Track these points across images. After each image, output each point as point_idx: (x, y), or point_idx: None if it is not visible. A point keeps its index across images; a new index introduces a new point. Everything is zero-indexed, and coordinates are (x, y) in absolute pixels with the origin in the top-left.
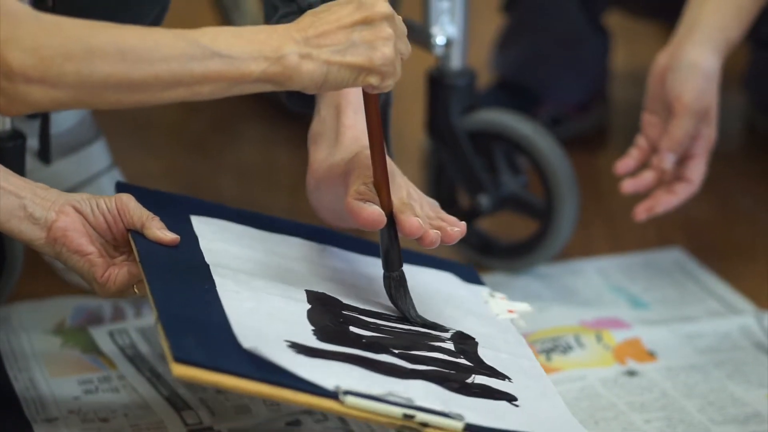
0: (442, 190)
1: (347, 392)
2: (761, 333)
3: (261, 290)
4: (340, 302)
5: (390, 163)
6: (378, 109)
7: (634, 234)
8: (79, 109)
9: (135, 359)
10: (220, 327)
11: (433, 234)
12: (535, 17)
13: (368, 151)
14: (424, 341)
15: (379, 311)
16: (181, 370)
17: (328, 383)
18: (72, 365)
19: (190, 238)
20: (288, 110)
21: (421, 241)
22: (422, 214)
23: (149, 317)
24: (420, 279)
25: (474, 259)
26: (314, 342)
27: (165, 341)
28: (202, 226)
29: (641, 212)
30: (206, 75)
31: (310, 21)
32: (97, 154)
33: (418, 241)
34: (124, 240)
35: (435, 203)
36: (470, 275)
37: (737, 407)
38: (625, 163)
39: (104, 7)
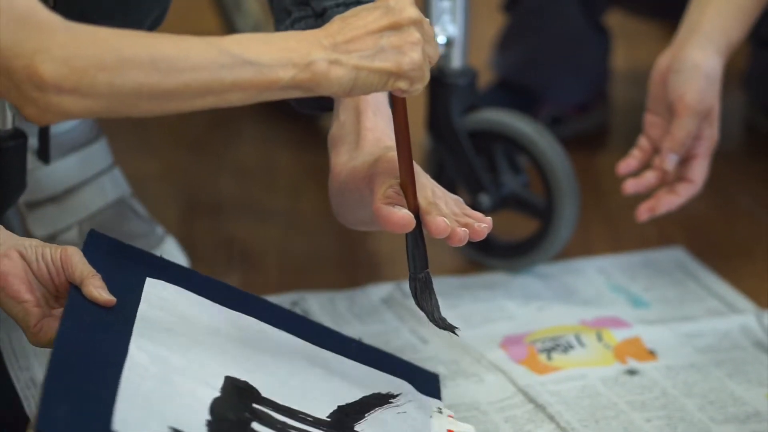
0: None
1: None
2: (761, 332)
3: (174, 370)
4: (259, 394)
5: (414, 164)
6: (405, 111)
7: (634, 233)
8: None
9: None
10: (104, 404)
11: (461, 232)
12: (535, 17)
13: (391, 153)
14: None
15: (300, 410)
16: None
17: None
18: None
19: (132, 302)
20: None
21: (450, 239)
22: (448, 213)
23: None
24: (372, 383)
25: (474, 258)
26: None
27: (37, 408)
28: (154, 291)
29: (643, 212)
30: (236, 83)
31: (338, 26)
32: (98, 154)
33: (446, 240)
34: (66, 291)
35: (459, 199)
36: (429, 385)
37: (737, 406)
38: (627, 163)
39: (104, 8)
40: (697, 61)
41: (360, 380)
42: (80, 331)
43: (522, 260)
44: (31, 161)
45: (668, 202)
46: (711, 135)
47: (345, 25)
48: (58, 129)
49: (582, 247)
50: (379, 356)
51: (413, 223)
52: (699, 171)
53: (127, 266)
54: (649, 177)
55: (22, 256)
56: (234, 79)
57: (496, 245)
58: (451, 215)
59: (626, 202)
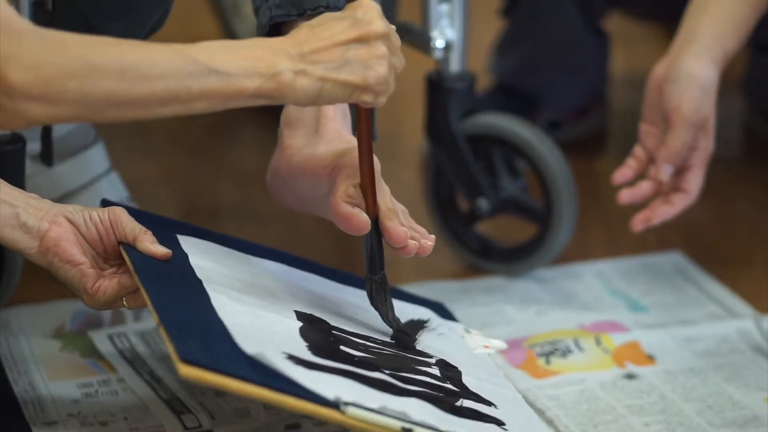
0: (441, 193)
1: (348, 403)
2: (760, 337)
3: (253, 305)
4: (328, 323)
5: (377, 165)
6: (370, 119)
7: (633, 238)
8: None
9: (134, 362)
10: (221, 334)
11: (413, 245)
12: (534, 21)
13: (356, 153)
14: (412, 365)
15: (367, 334)
16: (187, 371)
17: (329, 394)
18: (71, 369)
19: (180, 255)
20: None
21: (402, 250)
22: (406, 223)
23: (148, 321)
24: (403, 311)
25: (473, 263)
26: (310, 356)
27: (170, 343)
28: (189, 244)
29: (638, 223)
30: (203, 92)
31: (305, 36)
32: (96, 158)
33: (397, 250)
34: (115, 252)
35: (405, 210)
36: (444, 312)
37: (736, 410)
38: (623, 173)
39: (105, 11)
40: (693, 71)
41: (397, 310)
42: (161, 282)
43: (521, 264)
44: (31, 167)
45: (663, 212)
46: (706, 146)
47: (312, 34)
48: (55, 134)
49: (581, 251)
50: (395, 291)
51: (368, 228)
52: (694, 182)
53: (155, 227)
54: (645, 187)
55: (70, 221)
56: (201, 89)
57: (495, 249)
58: (408, 227)
59: (625, 206)
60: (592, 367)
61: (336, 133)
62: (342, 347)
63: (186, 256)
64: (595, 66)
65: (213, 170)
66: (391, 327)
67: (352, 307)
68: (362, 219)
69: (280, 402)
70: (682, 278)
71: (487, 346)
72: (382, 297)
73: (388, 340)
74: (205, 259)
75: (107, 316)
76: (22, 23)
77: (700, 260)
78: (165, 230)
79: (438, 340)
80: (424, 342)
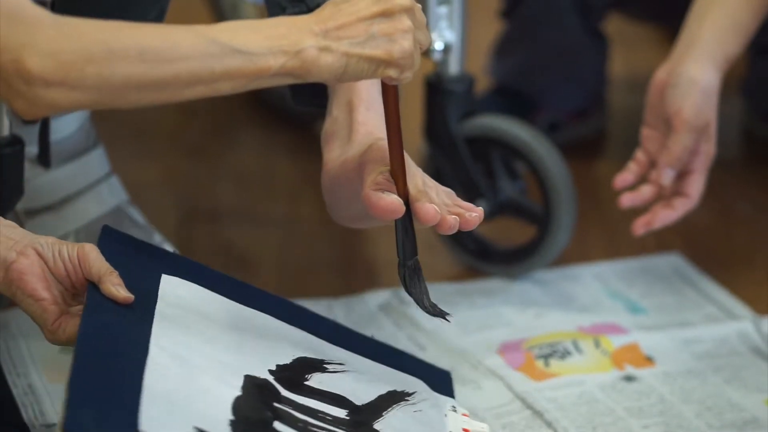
0: None
1: None
2: (759, 338)
3: (195, 369)
4: (278, 393)
5: (404, 153)
6: (397, 99)
7: (632, 239)
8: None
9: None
10: (129, 404)
11: (451, 219)
12: (533, 24)
13: (381, 142)
14: None
15: (317, 408)
16: None
17: None
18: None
19: (149, 299)
20: (287, 115)
21: (439, 227)
22: (438, 201)
23: None
24: (387, 381)
25: (472, 265)
26: None
27: (63, 410)
28: (169, 288)
29: (639, 227)
30: (226, 72)
31: (330, 12)
32: (96, 162)
33: (436, 227)
34: (83, 289)
35: (450, 191)
36: (443, 383)
37: (735, 412)
38: (624, 177)
39: (102, 10)
40: (694, 75)
41: (375, 378)
42: (101, 331)
43: (519, 266)
44: (30, 170)
45: (664, 216)
46: (708, 150)
47: (336, 11)
48: (55, 137)
49: (579, 253)
50: (392, 353)
51: (402, 209)
52: (695, 186)
53: (142, 262)
54: (646, 191)
55: (39, 254)
56: (224, 68)
57: (494, 251)
58: (442, 204)
59: (624, 208)
60: (591, 369)
61: (367, 134)
62: (275, 423)
63: (154, 301)
64: (594, 68)
65: (213, 173)
66: (428, 313)
67: (324, 372)
68: (393, 200)
69: None
70: (681, 280)
71: (466, 430)
72: (415, 283)
73: (343, 416)
74: (178, 306)
75: None
76: (38, 11)
77: (700, 262)
78: (154, 266)
79: (409, 419)
80: (390, 420)
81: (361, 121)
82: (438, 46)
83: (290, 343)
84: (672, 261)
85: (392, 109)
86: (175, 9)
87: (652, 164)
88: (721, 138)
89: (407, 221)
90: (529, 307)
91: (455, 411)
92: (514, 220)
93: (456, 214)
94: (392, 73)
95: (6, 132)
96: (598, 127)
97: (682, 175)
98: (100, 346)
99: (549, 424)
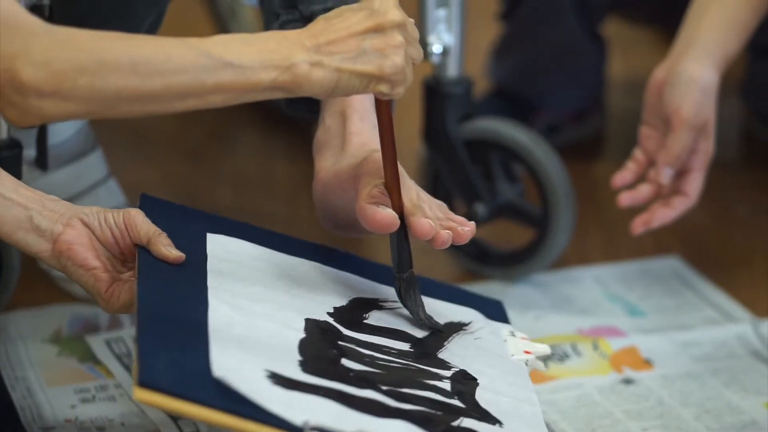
0: (439, 198)
1: (314, 428)
2: (758, 341)
3: (257, 316)
4: (340, 332)
5: (398, 166)
6: (390, 112)
7: (630, 242)
8: (82, 119)
9: (132, 368)
10: (199, 352)
11: (445, 234)
12: (532, 26)
13: (376, 154)
14: (419, 379)
15: (380, 343)
16: (142, 395)
17: (297, 418)
18: (69, 374)
19: (199, 257)
20: (286, 118)
21: (433, 242)
22: (432, 216)
23: None
24: (443, 313)
25: (471, 268)
26: (297, 373)
27: (136, 362)
28: (217, 245)
29: (638, 226)
30: (217, 85)
31: (321, 27)
32: (94, 165)
33: (429, 242)
34: (132, 255)
35: (443, 205)
36: (496, 311)
37: (734, 415)
38: (622, 176)
39: (100, 13)
40: (693, 74)
41: (434, 312)
42: (159, 289)
43: (518, 269)
44: (28, 173)
45: (663, 215)
46: (707, 149)
47: (328, 25)
48: (53, 140)
49: (578, 256)
50: (443, 287)
51: (397, 222)
52: (694, 185)
53: (185, 223)
54: (644, 190)
55: (85, 224)
56: (215, 82)
57: (493, 254)
58: (435, 219)
59: (622, 210)
60: (590, 372)
61: (361, 145)
62: (343, 360)
63: (206, 258)
64: (593, 70)
65: (212, 175)
66: (422, 325)
67: (381, 310)
68: (387, 214)
69: (240, 428)
70: (680, 283)
71: (528, 352)
72: (411, 295)
73: (407, 348)
74: (228, 261)
75: (104, 321)
76: (32, 20)
77: (699, 264)
78: (197, 227)
79: (470, 346)
80: (453, 349)
81: (355, 132)
82: (436, 48)
83: (343, 286)
84: (671, 263)
85: (386, 123)
86: (174, 11)
87: (651, 163)
88: (719, 139)
89: (402, 234)
90: (528, 309)
91: (514, 335)
92: (513, 223)
93: (449, 228)
94: (384, 88)
95: (4, 135)
96: (596, 129)
97: (680, 174)
98: (160, 303)
99: (547, 427)
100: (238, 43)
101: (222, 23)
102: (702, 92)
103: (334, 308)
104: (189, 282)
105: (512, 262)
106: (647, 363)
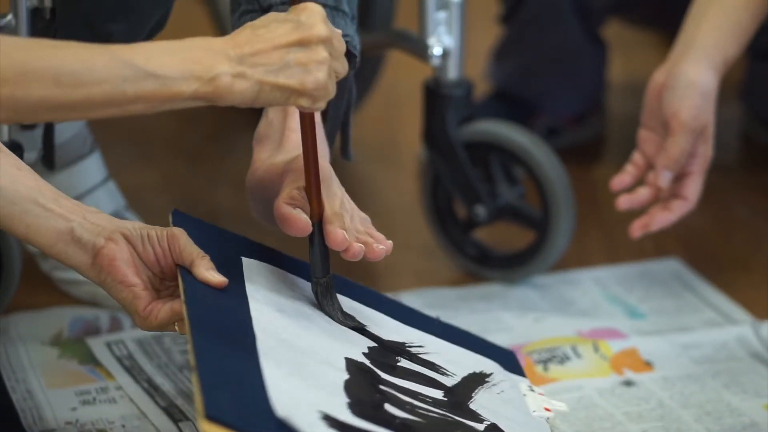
0: (439, 200)
1: None
2: (758, 343)
3: (300, 352)
4: (378, 375)
5: (328, 170)
6: (313, 124)
7: (630, 244)
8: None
9: (132, 370)
10: (256, 387)
11: (357, 247)
12: (532, 28)
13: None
14: (456, 430)
15: (417, 390)
16: (209, 428)
17: None
18: (69, 376)
19: (238, 282)
20: None
21: (345, 253)
22: (350, 227)
23: None
24: (464, 362)
25: (471, 270)
26: (348, 416)
27: (199, 395)
28: (253, 272)
29: (637, 229)
30: (138, 96)
31: (247, 37)
32: (93, 168)
33: (342, 253)
34: (171, 274)
35: (367, 218)
36: (511, 363)
37: (734, 417)
38: (621, 179)
39: (107, 12)
40: (692, 77)
41: (454, 360)
42: (208, 316)
43: (518, 271)
44: None
45: (662, 219)
46: (705, 152)
47: (254, 36)
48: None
49: (578, 258)
50: (460, 334)
51: (309, 229)
52: (693, 188)
53: (221, 246)
54: (643, 193)
55: (128, 240)
56: (136, 92)
57: (493, 256)
58: (353, 230)
59: (622, 213)
60: (590, 374)
61: (296, 143)
62: (386, 406)
63: (244, 285)
64: (593, 73)
65: (211, 177)
66: (345, 326)
67: (409, 354)
68: (301, 220)
69: None
70: (680, 285)
71: (548, 409)
72: (328, 299)
73: (440, 396)
74: (265, 288)
75: (105, 323)
76: None
77: (698, 266)
78: (230, 249)
79: (496, 400)
80: (480, 401)
81: (293, 128)
82: (436, 51)
83: (373, 326)
84: (671, 265)
85: (308, 133)
86: (174, 11)
87: (650, 166)
88: (719, 142)
89: (320, 240)
90: (529, 311)
91: (533, 390)
92: (513, 225)
93: (364, 242)
94: (304, 102)
95: (5, 138)
96: (596, 132)
97: (679, 178)
98: (212, 331)
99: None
100: (161, 53)
101: (221, 24)
102: (701, 96)
103: (369, 348)
104: (233, 310)
105: (512, 264)
106: (647, 365)
